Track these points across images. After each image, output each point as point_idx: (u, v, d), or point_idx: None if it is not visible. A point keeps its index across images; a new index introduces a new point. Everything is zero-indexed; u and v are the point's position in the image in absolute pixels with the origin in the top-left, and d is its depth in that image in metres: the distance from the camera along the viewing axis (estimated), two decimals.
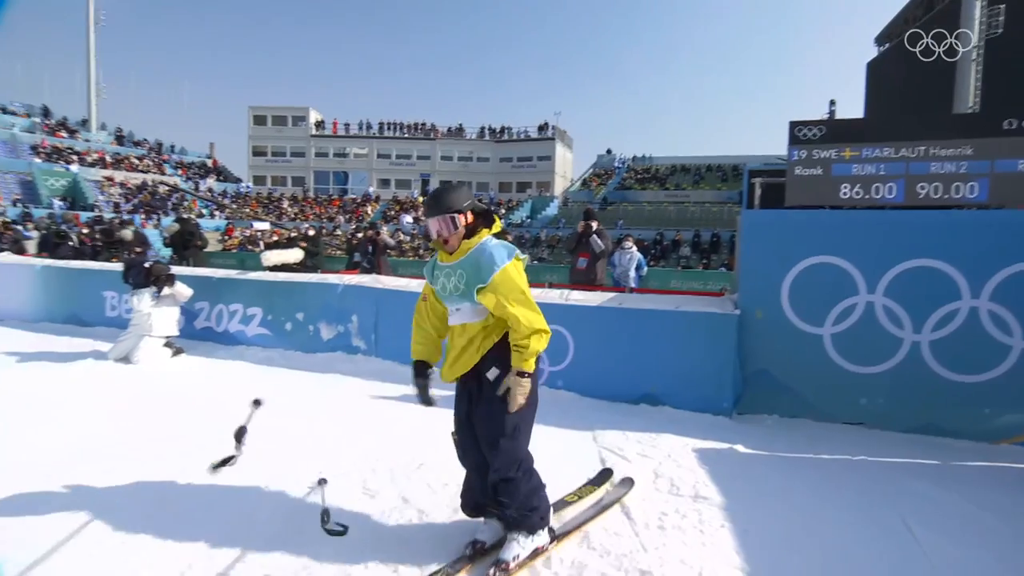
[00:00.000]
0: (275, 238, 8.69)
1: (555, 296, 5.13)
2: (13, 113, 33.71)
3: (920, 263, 3.98)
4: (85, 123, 36.94)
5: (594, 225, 7.48)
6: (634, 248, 8.77)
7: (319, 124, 44.56)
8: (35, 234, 10.69)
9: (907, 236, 4.02)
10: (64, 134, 34.38)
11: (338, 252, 18.81)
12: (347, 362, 5.64)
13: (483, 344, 2.32)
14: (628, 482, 3.08)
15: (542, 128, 42.74)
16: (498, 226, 2.40)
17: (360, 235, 9.84)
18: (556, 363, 4.87)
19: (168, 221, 14.16)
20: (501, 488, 2.28)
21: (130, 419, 4.13)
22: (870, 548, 2.57)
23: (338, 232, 28.71)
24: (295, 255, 7.80)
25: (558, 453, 3.63)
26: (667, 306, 4.61)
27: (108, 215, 22.56)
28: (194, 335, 6.63)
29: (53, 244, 10.72)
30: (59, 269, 8.21)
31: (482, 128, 44.47)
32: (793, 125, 4.37)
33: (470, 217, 2.32)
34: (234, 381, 5.20)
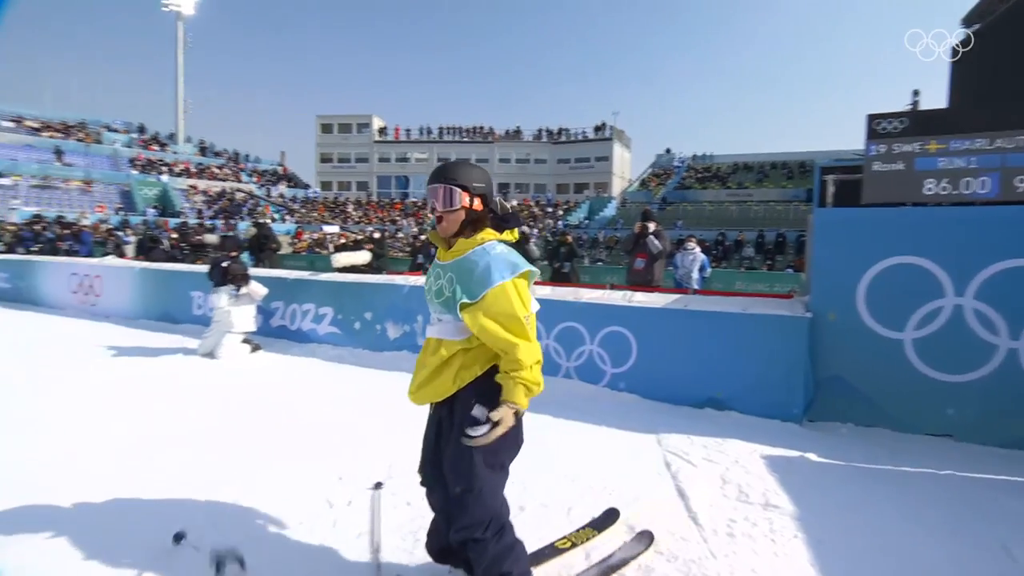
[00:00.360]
0: (343, 241, 9.00)
1: (618, 297, 5.06)
2: (116, 131, 36.57)
3: (1018, 263, 3.66)
4: (173, 137, 39.55)
5: (651, 226, 7.33)
6: (697, 249, 8.54)
7: (382, 131, 45.86)
8: (132, 239, 11.54)
9: (1003, 234, 3.70)
10: (156, 147, 36.96)
11: (401, 254, 19.32)
12: (412, 361, 5.70)
13: (461, 374, 1.89)
14: (645, 537, 2.51)
15: (599, 128, 42.33)
16: (512, 236, 1.96)
17: (423, 238, 10.07)
18: (618, 365, 4.79)
19: (245, 225, 14.98)
20: (468, 546, 1.88)
21: (213, 410, 4.37)
22: (962, 570, 2.38)
23: (400, 235, 29.44)
24: (363, 257, 8.05)
25: (621, 454, 3.58)
26: (734, 308, 4.44)
27: (192, 221, 24.04)
28: (270, 333, 6.95)
29: (147, 248, 11.51)
30: (153, 271, 8.81)
31: (539, 130, 44.53)
32: (871, 118, 4.12)
33: (477, 203, 1.91)
34: (307, 377, 5.44)
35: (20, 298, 10.55)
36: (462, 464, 1.84)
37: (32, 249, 13.36)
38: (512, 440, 1.89)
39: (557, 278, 8.97)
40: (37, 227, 16.44)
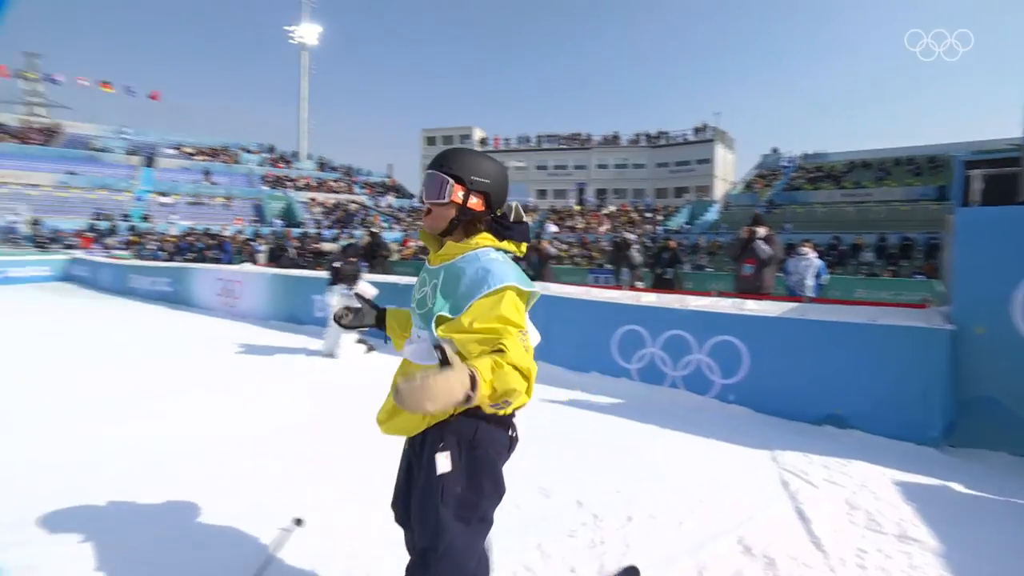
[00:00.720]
0: None
1: (727, 305, 4.82)
2: (251, 152, 40.52)
3: None
4: (296, 155, 43.04)
5: (760, 231, 6.91)
6: (813, 254, 7.93)
7: (483, 141, 47.08)
8: (264, 248, 12.70)
9: None
10: (282, 165, 40.41)
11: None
12: None
13: None
14: None
15: (700, 130, 40.74)
16: (511, 246, 1.60)
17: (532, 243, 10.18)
18: (729, 376, 4.55)
19: (359, 234, 16.02)
20: None
21: (332, 406, 4.67)
22: None
23: None
24: None
25: (732, 469, 3.38)
26: (860, 318, 4.07)
27: (311, 231, 25.98)
28: (381, 335, 7.30)
29: (276, 256, 12.58)
30: (281, 276, 9.60)
31: (637, 134, 43.61)
32: None
33: (475, 201, 1.54)
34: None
35: (179, 300, 11.92)
36: (427, 517, 1.47)
37: (187, 258, 15.08)
38: (492, 488, 1.51)
39: (660, 284, 8.71)
40: (190, 238, 18.53)
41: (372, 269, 10.53)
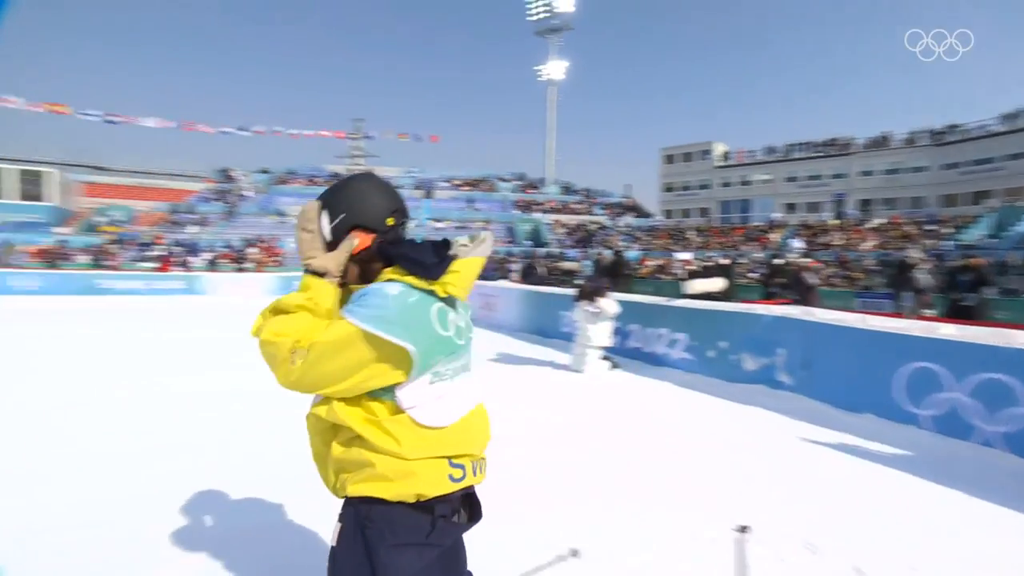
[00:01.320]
0: (693, 267, 8.91)
1: None
2: (505, 180, 45.01)
3: None
4: (543, 180, 46.22)
5: None
6: None
7: (725, 155, 44.30)
8: (516, 266, 13.88)
9: None
10: (531, 191, 43.83)
11: (747, 280, 18.10)
12: (770, 397, 5.25)
13: (331, 455, 1.24)
14: None
15: (1011, 117, 31.82)
16: (417, 281, 1.17)
17: (777, 263, 9.21)
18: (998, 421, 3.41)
19: (607, 252, 16.53)
20: None
21: (579, 419, 4.78)
22: None
23: (743, 260, 27.68)
24: (718, 284, 7.79)
25: (990, 553, 2.53)
26: None
27: (556, 251, 27.49)
28: (626, 353, 7.31)
29: (527, 273, 13.62)
30: (532, 293, 10.33)
31: (913, 132, 36.13)
32: None
33: (360, 239, 1.22)
34: (660, 400, 5.49)
35: None
36: None
37: None
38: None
39: (957, 313, 6.99)
40: None
41: (615, 287, 10.67)
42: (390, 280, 1.17)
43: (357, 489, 1.18)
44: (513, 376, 6.60)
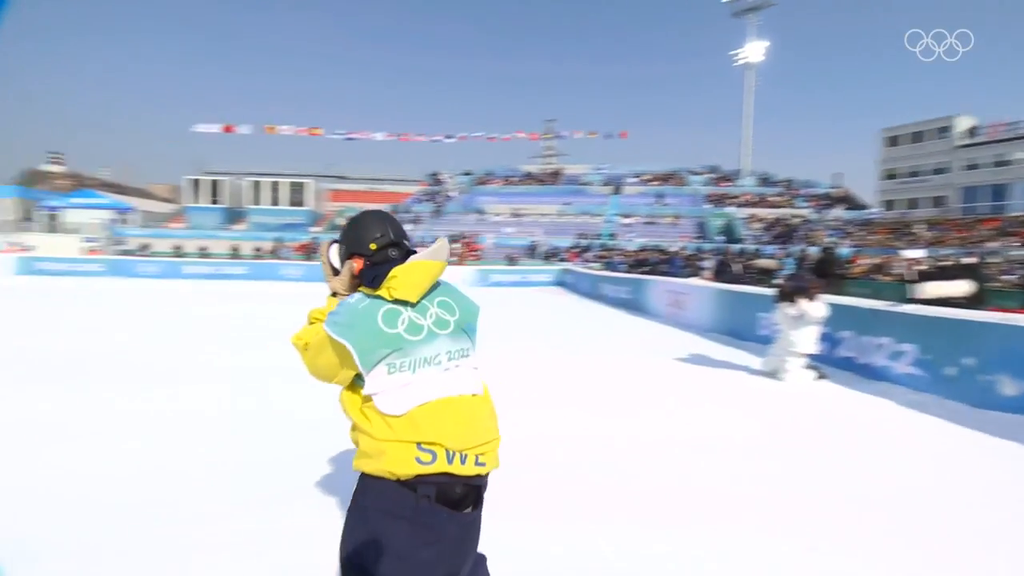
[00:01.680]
0: (922, 267, 7.44)
1: None
2: (697, 173, 42.69)
3: None
4: (737, 172, 42.65)
5: None
6: None
7: (971, 131, 35.85)
8: (709, 264, 13.11)
9: None
10: (725, 183, 40.81)
11: (1001, 284, 14.56)
12: None
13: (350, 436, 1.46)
14: None
15: None
16: (368, 290, 1.43)
17: None
18: None
19: (815, 249, 14.65)
20: None
21: (773, 429, 4.34)
22: None
23: (994, 259, 22.28)
24: (963, 288, 6.39)
25: None
26: None
27: (750, 247, 25.23)
28: (835, 362, 6.45)
29: (720, 271, 12.78)
30: (727, 292, 9.67)
31: None
32: None
33: (357, 263, 1.50)
34: (878, 420, 4.69)
35: (635, 307, 13.56)
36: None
37: (643, 270, 17.02)
38: (371, 545, 1.30)
39: None
40: (644, 254, 20.78)
41: (825, 287, 9.46)
42: (357, 292, 1.46)
43: (357, 465, 1.39)
44: (702, 378, 6.29)
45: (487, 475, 1.44)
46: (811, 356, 6.05)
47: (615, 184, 40.54)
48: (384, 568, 1.29)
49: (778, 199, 38.14)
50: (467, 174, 43.57)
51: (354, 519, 1.37)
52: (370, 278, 1.45)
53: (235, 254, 26.59)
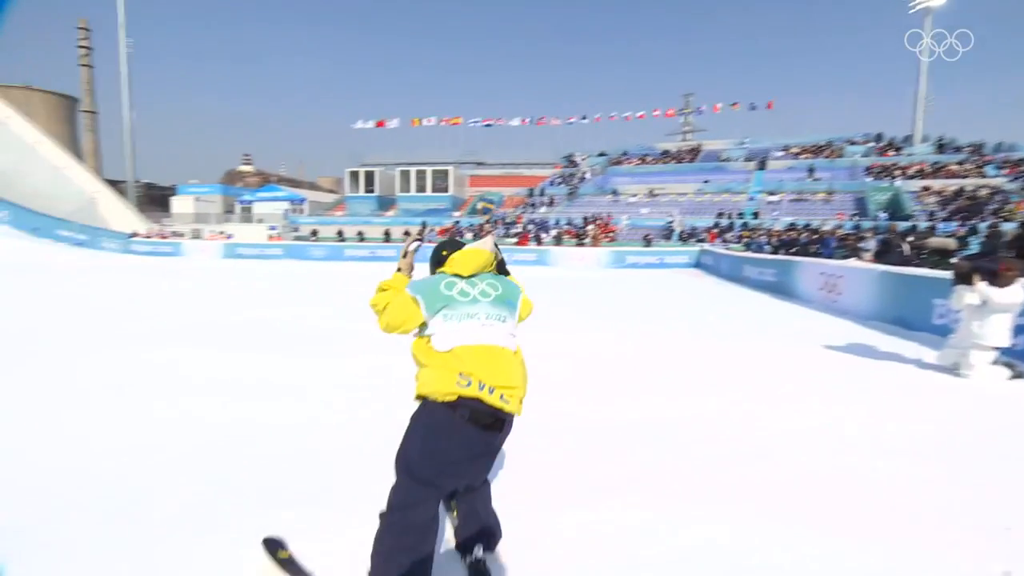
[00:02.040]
0: None
1: None
2: (856, 143, 37.84)
3: None
4: (908, 139, 36.92)
5: None
6: None
7: None
8: (870, 243, 11.73)
9: None
10: (891, 152, 35.63)
11: None
12: None
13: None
14: None
15: None
16: (444, 267, 2.08)
17: None
18: None
19: (1010, 226, 12.35)
20: None
21: (960, 435, 3.89)
22: None
23: None
24: None
25: None
26: None
27: (922, 224, 21.93)
28: None
29: (884, 251, 11.42)
30: (892, 275, 8.68)
31: None
32: None
33: (412, 248, 2.20)
34: None
35: (781, 290, 12.67)
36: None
37: (791, 251, 15.73)
38: (421, 447, 1.84)
39: None
40: (793, 233, 19.12)
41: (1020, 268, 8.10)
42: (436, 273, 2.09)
43: (417, 392, 1.89)
44: (862, 369, 5.75)
45: (510, 415, 1.89)
46: (1003, 350, 5.30)
47: (759, 159, 37.33)
48: (421, 458, 1.82)
49: (960, 167, 32.42)
50: (602, 155, 42.93)
51: (409, 430, 1.88)
52: (435, 264, 2.13)
53: (387, 238, 29.18)
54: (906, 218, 26.12)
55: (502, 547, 2.24)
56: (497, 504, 2.24)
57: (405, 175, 39.91)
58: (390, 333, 1.97)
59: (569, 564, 2.22)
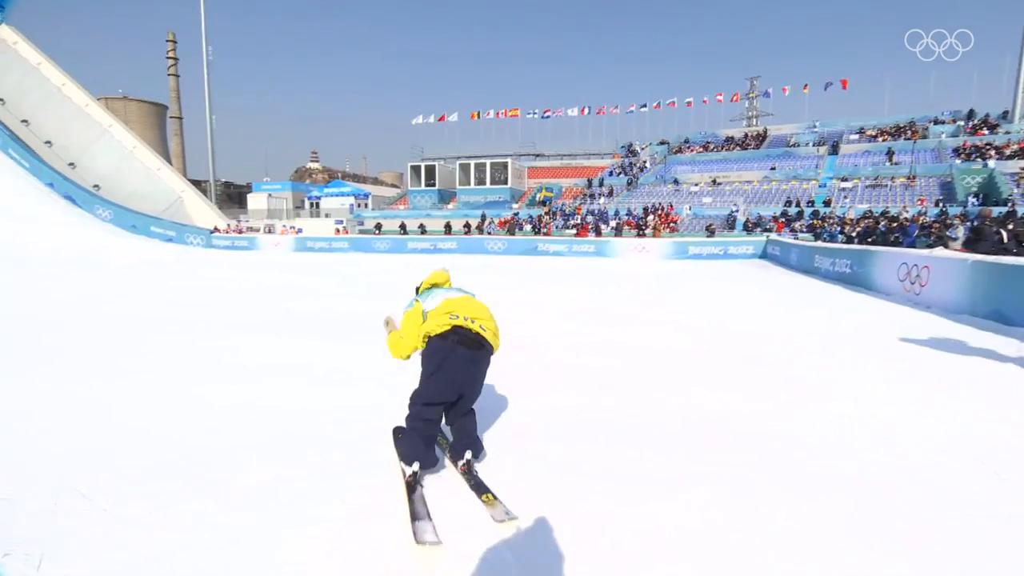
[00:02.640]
0: None
1: None
2: (942, 122, 34.79)
3: None
4: (1005, 115, 33.52)
5: None
6: None
7: None
8: (961, 231, 10.81)
9: None
10: (984, 131, 32.51)
11: None
12: None
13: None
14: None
15: None
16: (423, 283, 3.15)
17: None
18: None
19: None
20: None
21: None
22: None
23: None
24: None
25: None
26: None
27: (1021, 209, 19.92)
28: None
29: (975, 239, 10.51)
30: (987, 264, 7.97)
31: None
32: None
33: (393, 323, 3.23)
34: None
35: (857, 282, 11.92)
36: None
37: (868, 240, 14.75)
38: (428, 375, 2.74)
39: None
40: (868, 221, 17.90)
41: None
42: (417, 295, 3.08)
43: (423, 331, 2.78)
44: (953, 367, 5.27)
45: (487, 341, 2.75)
46: None
47: (831, 143, 35.12)
48: (429, 378, 2.69)
49: None
50: (662, 143, 41.77)
51: (421, 374, 2.77)
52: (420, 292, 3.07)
53: (448, 230, 29.73)
54: (1003, 203, 23.86)
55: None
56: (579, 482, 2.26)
57: (465, 168, 40.42)
58: (409, 353, 2.92)
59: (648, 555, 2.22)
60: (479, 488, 2.56)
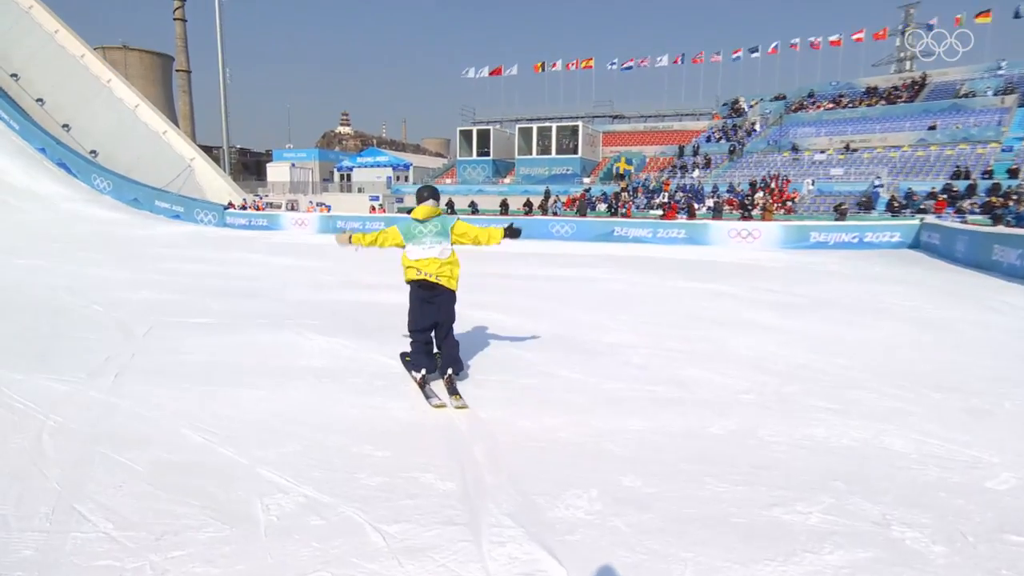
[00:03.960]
0: None
1: None
2: None
3: None
4: None
5: None
6: None
7: None
8: None
9: None
10: None
11: None
12: None
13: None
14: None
15: None
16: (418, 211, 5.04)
17: None
18: None
19: None
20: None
21: None
22: None
23: None
24: None
25: None
26: None
27: None
28: None
29: None
30: None
31: None
32: None
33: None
34: None
35: None
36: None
37: None
38: (410, 311, 5.03)
39: None
40: None
41: None
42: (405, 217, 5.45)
43: (405, 278, 5.06)
44: None
45: (445, 287, 4.90)
46: None
47: (1022, 91, 32.02)
48: (411, 312, 5.01)
49: None
50: (778, 99, 39.69)
51: (409, 301, 5.06)
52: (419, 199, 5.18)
53: (504, 210, 29.51)
54: None
55: None
56: None
57: (525, 134, 40.10)
58: (384, 247, 5.10)
59: None
60: (452, 391, 4.77)
